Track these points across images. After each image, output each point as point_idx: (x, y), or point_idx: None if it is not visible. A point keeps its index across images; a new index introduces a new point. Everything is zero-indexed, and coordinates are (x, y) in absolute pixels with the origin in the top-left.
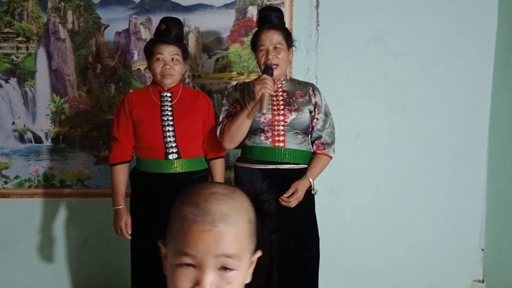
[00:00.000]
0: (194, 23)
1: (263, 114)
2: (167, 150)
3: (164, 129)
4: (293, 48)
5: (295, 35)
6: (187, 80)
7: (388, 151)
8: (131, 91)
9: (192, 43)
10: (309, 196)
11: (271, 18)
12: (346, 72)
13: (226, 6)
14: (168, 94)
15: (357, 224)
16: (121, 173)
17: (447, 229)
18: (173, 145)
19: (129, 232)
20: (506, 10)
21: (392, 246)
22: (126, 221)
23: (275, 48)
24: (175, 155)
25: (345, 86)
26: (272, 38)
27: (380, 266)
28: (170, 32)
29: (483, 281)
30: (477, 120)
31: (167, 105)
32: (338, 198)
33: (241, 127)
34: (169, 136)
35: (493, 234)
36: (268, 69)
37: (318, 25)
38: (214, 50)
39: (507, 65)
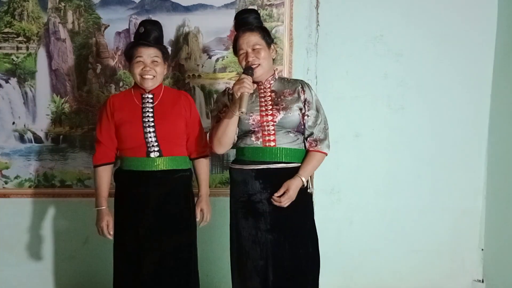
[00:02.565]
0: (194, 23)
1: (242, 113)
2: (149, 149)
3: (145, 130)
4: (275, 45)
5: (295, 35)
6: (187, 80)
7: (388, 151)
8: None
9: (192, 43)
10: (305, 194)
11: (246, 21)
12: (346, 72)
13: (226, 6)
14: (150, 96)
15: (357, 224)
16: (104, 175)
17: (447, 229)
18: (155, 144)
19: (111, 233)
20: (506, 10)
21: (392, 246)
22: (107, 222)
23: (254, 49)
24: (157, 153)
25: (345, 86)
26: (249, 40)
27: (380, 266)
28: (149, 34)
29: (482, 281)
30: (476, 120)
31: (148, 107)
32: (337, 198)
33: (227, 130)
34: (150, 137)
35: (493, 234)
36: (248, 69)
37: (318, 25)
38: (214, 50)
39: (506, 65)
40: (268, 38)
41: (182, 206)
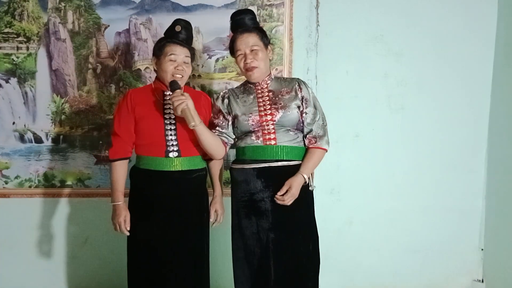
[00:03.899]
0: (194, 23)
1: (194, 126)
2: (168, 148)
3: (166, 127)
4: (272, 46)
5: (295, 35)
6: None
7: (387, 151)
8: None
9: (192, 43)
10: (307, 192)
11: (243, 22)
12: (346, 72)
13: (226, 6)
14: (171, 94)
15: (357, 224)
16: (121, 169)
17: (447, 229)
18: (174, 143)
19: (128, 228)
20: (506, 10)
21: (392, 246)
22: (125, 217)
23: (252, 50)
24: (176, 153)
25: (345, 86)
26: (247, 41)
27: (380, 266)
28: (184, 34)
29: (482, 281)
30: (476, 120)
31: (169, 104)
32: (337, 198)
33: (204, 142)
34: (171, 135)
35: (493, 234)
36: (173, 84)
37: (318, 25)
38: (214, 50)
39: (506, 65)
40: (266, 39)
41: (197, 206)
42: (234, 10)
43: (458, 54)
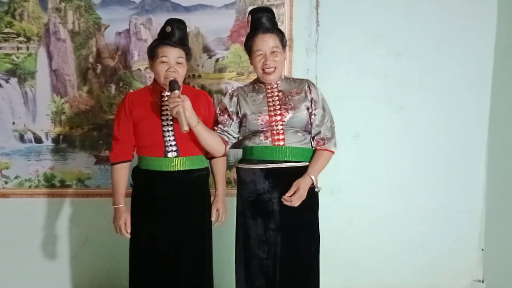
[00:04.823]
0: (194, 23)
1: (186, 131)
2: (167, 149)
3: (163, 128)
4: (287, 47)
5: (295, 35)
6: (187, 80)
7: (387, 151)
8: (131, 91)
9: (192, 43)
10: (313, 193)
11: (264, 21)
12: (346, 72)
13: (226, 6)
14: (169, 94)
15: (357, 224)
16: (121, 172)
17: (447, 229)
18: (173, 143)
19: (128, 231)
20: (506, 10)
21: (392, 246)
22: (125, 220)
23: (272, 52)
24: (174, 153)
25: (345, 86)
26: (268, 42)
27: (380, 266)
28: (176, 34)
29: (483, 281)
30: (476, 120)
31: (167, 105)
32: (338, 198)
33: (203, 141)
34: (169, 136)
35: (493, 234)
36: (172, 84)
37: (318, 25)
38: (214, 50)
39: (506, 65)
40: (284, 41)
41: (199, 206)
42: (234, 10)
43: (458, 54)
